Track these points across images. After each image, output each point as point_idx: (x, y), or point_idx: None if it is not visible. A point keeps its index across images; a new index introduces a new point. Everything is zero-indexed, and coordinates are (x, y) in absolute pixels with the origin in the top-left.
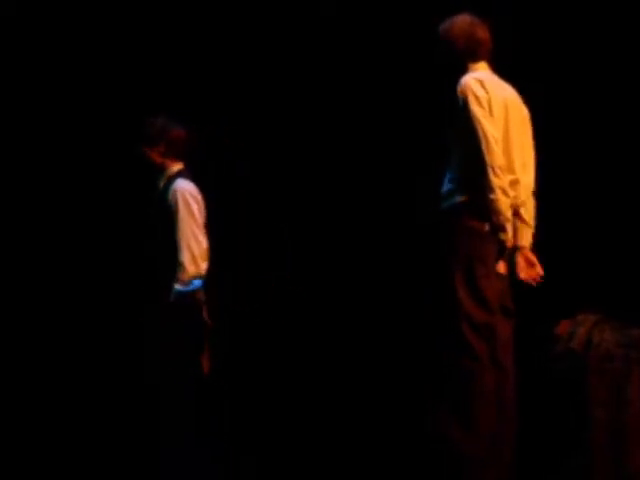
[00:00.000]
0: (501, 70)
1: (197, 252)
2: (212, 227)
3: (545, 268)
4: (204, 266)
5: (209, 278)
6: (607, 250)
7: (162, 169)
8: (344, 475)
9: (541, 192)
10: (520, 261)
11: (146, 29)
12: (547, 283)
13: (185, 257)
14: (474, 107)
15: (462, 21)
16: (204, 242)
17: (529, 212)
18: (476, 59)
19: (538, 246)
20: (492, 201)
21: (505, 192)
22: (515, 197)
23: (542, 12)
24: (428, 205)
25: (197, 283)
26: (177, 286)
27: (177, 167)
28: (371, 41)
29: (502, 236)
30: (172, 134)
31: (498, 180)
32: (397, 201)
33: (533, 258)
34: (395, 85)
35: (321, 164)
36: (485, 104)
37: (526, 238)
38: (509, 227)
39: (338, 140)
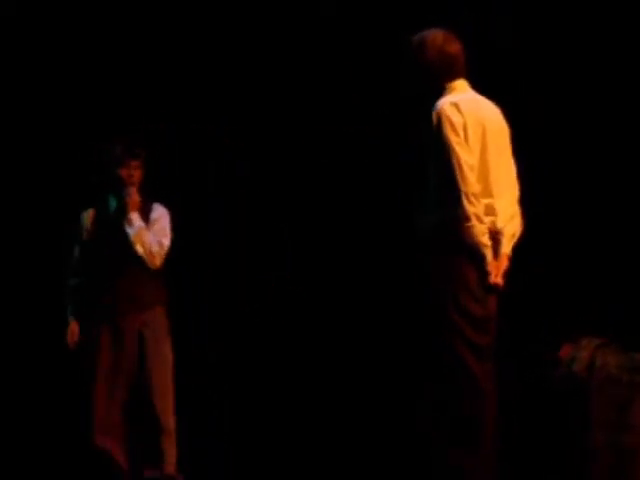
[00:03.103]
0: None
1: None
2: (212, 227)
3: (549, 292)
4: None
5: (209, 278)
6: (611, 274)
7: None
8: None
9: (545, 216)
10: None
11: (146, 29)
12: (550, 307)
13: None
14: (448, 134)
15: (434, 39)
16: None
17: (507, 237)
18: (453, 77)
19: (543, 269)
20: (468, 228)
21: (479, 219)
22: (492, 222)
23: (542, 13)
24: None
25: None
26: None
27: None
28: (371, 41)
29: (481, 261)
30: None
31: (473, 208)
32: (397, 201)
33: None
34: (396, 85)
35: (321, 164)
36: (460, 130)
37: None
38: (487, 252)
39: (338, 140)
